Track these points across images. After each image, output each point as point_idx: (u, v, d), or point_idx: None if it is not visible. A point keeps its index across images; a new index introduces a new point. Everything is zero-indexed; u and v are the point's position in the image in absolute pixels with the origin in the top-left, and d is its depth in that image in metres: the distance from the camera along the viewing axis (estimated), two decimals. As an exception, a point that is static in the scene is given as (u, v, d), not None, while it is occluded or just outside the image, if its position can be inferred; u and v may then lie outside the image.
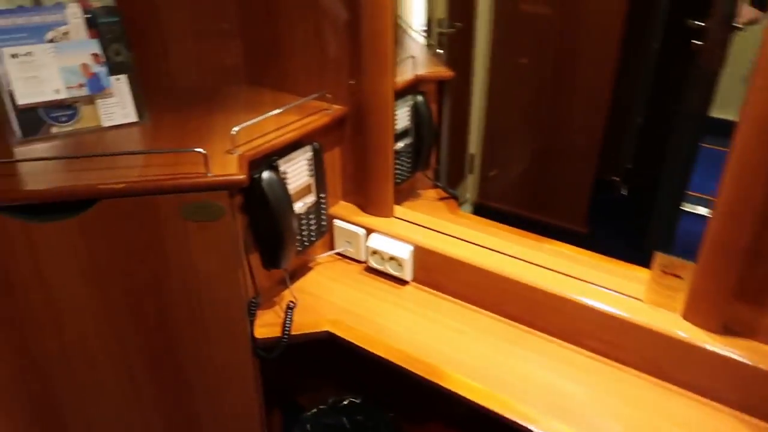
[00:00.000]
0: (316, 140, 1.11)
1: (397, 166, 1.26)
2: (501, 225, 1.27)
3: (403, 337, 1.04)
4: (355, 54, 1.10)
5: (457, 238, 1.15)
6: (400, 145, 1.28)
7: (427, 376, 0.96)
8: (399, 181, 1.30)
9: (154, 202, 0.90)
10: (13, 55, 0.97)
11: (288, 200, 1.03)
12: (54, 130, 1.04)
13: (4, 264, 0.91)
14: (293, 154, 1.06)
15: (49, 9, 0.99)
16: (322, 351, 1.17)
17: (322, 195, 1.16)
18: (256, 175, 0.98)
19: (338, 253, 1.26)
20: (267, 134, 1.04)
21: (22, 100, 0.99)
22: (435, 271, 1.14)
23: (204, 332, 1.03)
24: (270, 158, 1.02)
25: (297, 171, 1.08)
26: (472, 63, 1.77)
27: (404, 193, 1.38)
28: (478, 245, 1.12)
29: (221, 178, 0.90)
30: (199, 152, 0.91)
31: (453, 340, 1.04)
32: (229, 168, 0.92)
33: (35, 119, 1.02)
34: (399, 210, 1.23)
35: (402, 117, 1.26)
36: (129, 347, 1.02)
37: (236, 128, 0.98)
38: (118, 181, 0.89)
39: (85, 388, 1.05)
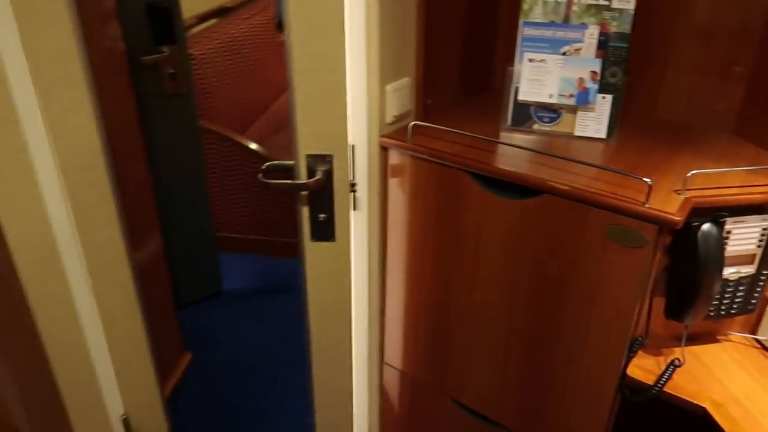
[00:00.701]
0: (780, 212, 0.99)
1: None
2: None
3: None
4: None
5: None
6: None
7: None
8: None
9: (587, 211, 0.98)
10: (530, 60, 1.17)
11: (720, 260, 0.96)
12: (535, 126, 1.21)
13: (460, 215, 1.14)
14: (747, 218, 0.98)
15: (573, 27, 1.14)
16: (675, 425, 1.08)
17: (765, 272, 1.04)
18: (695, 223, 0.95)
19: (758, 340, 1.11)
20: (726, 188, 0.98)
21: (522, 96, 1.19)
22: None
23: (580, 345, 1.08)
24: (718, 212, 0.96)
25: (744, 235, 0.99)
26: None
27: None
28: None
29: (656, 212, 0.91)
30: (645, 182, 0.93)
31: None
32: (668, 206, 0.92)
33: (525, 114, 1.21)
34: None
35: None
36: (514, 326, 1.16)
37: (694, 171, 0.96)
38: (566, 183, 0.99)
39: (469, 339, 1.23)
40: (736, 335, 1.13)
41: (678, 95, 1.26)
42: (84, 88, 1.06)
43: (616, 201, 0.95)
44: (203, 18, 3.24)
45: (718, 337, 1.13)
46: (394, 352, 1.41)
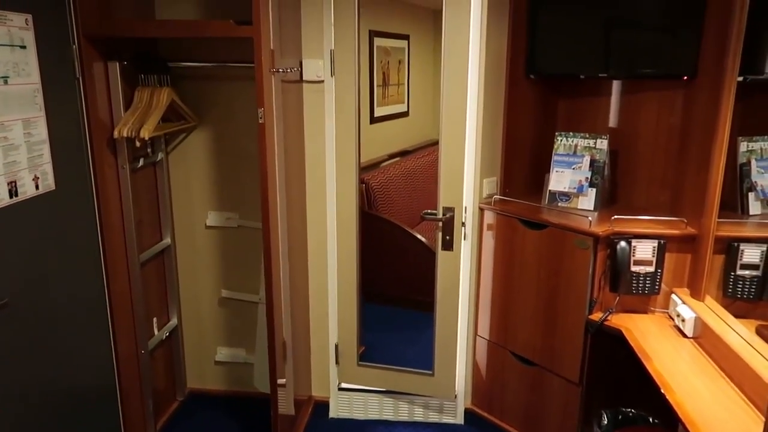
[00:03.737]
0: (663, 239, 2.07)
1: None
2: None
3: (666, 365, 1.89)
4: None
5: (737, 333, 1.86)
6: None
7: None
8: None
9: (565, 235, 2.15)
10: (557, 171, 2.40)
11: (628, 261, 2.06)
12: (559, 204, 2.41)
13: (514, 239, 2.34)
14: (644, 240, 2.07)
15: (578, 156, 2.36)
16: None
17: (659, 270, 2.09)
18: (616, 240, 2.07)
19: (665, 312, 2.12)
20: (634, 225, 2.10)
21: (552, 187, 2.41)
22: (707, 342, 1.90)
23: (567, 305, 2.18)
24: (629, 237, 2.08)
25: (643, 249, 2.08)
26: None
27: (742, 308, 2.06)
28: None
29: (595, 231, 2.06)
30: (588, 219, 2.09)
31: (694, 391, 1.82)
32: (598, 230, 2.06)
33: (553, 197, 2.42)
34: (709, 300, 2.00)
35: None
36: (539, 298, 2.28)
37: (616, 216, 2.10)
38: (558, 221, 2.17)
39: (519, 311, 2.37)
40: (657, 310, 2.15)
41: (637, 192, 2.39)
42: (354, 174, 2.49)
43: (577, 226, 2.11)
44: (391, 156, 4.85)
45: (646, 310, 2.15)
46: (482, 325, 2.56)
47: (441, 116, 2.36)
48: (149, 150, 2.42)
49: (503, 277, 2.43)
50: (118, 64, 2.10)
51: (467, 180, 2.40)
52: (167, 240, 2.56)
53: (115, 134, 2.08)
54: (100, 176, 2.08)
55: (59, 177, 1.88)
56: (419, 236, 4.00)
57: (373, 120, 4.66)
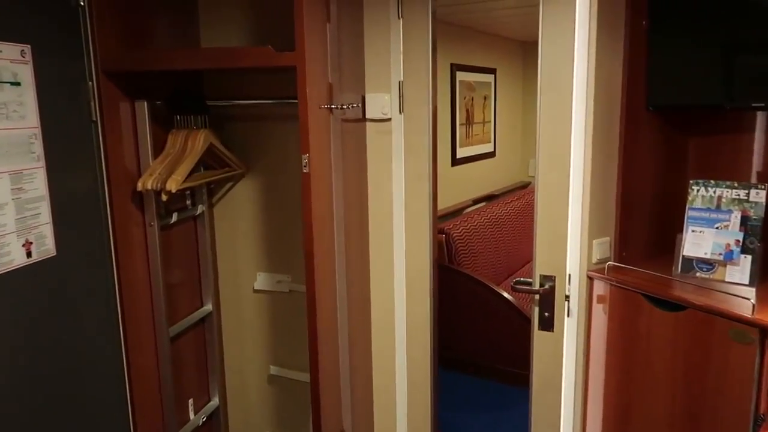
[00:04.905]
0: None
1: None
2: None
3: None
4: None
5: None
6: None
7: None
8: None
9: (713, 321, 1.56)
10: (693, 230, 1.82)
11: (815, 362, 1.44)
12: (698, 274, 1.82)
13: (636, 321, 1.77)
14: (838, 336, 1.45)
15: (723, 212, 1.78)
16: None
17: None
18: (793, 334, 1.46)
19: None
20: (821, 315, 1.48)
21: (686, 252, 1.83)
22: None
23: (716, 416, 1.58)
24: (812, 329, 1.46)
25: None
26: None
27: None
28: None
29: (762, 320, 1.47)
30: (752, 302, 1.50)
31: None
32: (766, 318, 1.47)
33: (689, 265, 1.83)
34: None
35: None
36: (675, 405, 1.69)
37: (792, 301, 1.49)
38: (706, 304, 1.59)
39: (643, 416, 1.78)
40: None
41: (817, 263, 1.76)
42: (428, 225, 2.02)
43: (733, 312, 1.52)
44: (476, 201, 4.35)
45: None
46: (592, 422, 1.98)
47: (538, 162, 1.86)
48: (188, 202, 2.08)
49: (621, 371, 1.86)
50: (146, 103, 1.78)
51: (572, 241, 1.87)
52: (208, 306, 2.19)
53: (138, 186, 1.75)
54: (121, 236, 1.74)
55: (63, 240, 1.54)
56: (506, 295, 3.45)
57: (455, 162, 4.20)
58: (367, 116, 2.00)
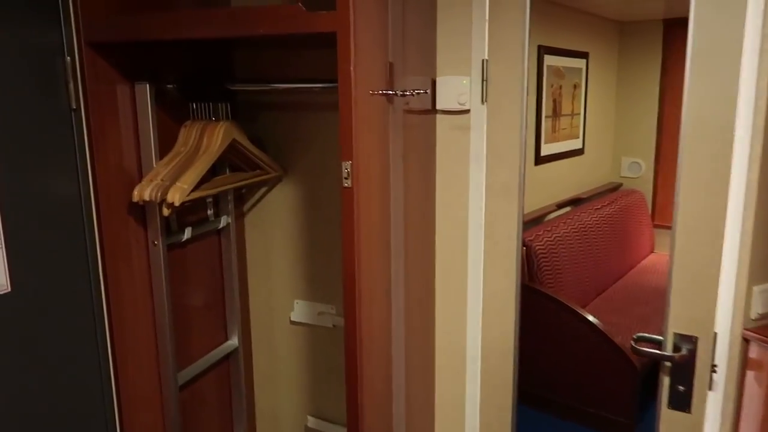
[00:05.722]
0: None
1: None
2: None
3: None
4: None
5: None
6: None
7: None
8: None
9: None
10: None
11: None
12: None
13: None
14: None
15: None
16: None
17: None
18: None
19: None
20: None
21: None
22: None
23: None
24: None
25: None
26: None
27: None
28: None
29: None
30: None
31: None
32: None
33: None
34: None
35: None
36: None
37: None
38: None
39: None
40: None
41: None
42: (515, 243, 1.52)
43: None
44: (560, 206, 3.77)
45: None
46: None
47: (680, 176, 1.31)
48: (210, 212, 1.66)
49: (795, 477, 1.29)
50: (148, 87, 1.36)
51: (725, 288, 1.32)
52: (234, 341, 1.77)
53: (134, 197, 1.33)
54: (111, 261, 1.34)
55: (22, 270, 1.15)
56: (594, 320, 2.87)
57: (539, 160, 3.62)
58: (438, 106, 1.51)
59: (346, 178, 1.07)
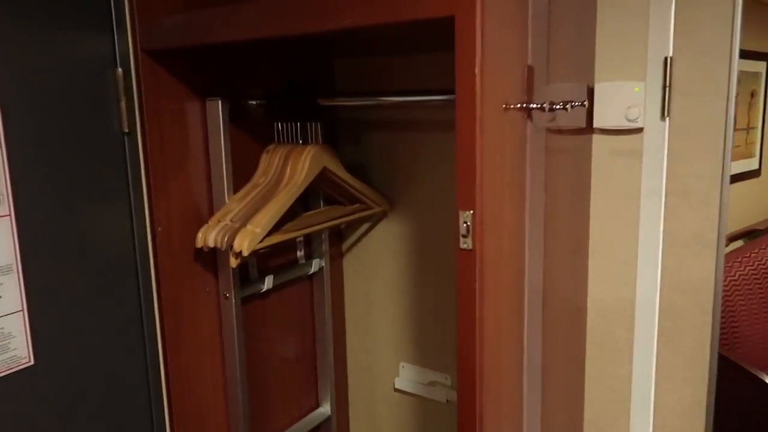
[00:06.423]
0: None
1: None
2: None
3: None
4: None
5: None
6: None
7: None
8: None
9: None
10: None
11: None
12: None
13: None
14: None
15: None
16: None
17: None
18: None
19: None
20: None
21: None
22: None
23: None
24: None
25: None
26: None
27: None
28: None
29: None
30: None
31: None
32: None
33: None
34: None
35: None
36: None
37: None
38: None
39: None
40: None
41: None
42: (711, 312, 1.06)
43: None
44: (731, 238, 3.11)
45: None
46: None
47: None
48: (300, 253, 1.37)
49: None
50: (221, 103, 1.09)
51: None
52: (326, 408, 1.46)
53: (197, 242, 1.06)
54: (169, 318, 1.07)
55: (46, 337, 0.91)
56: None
57: (706, 185, 3.02)
58: (596, 124, 1.10)
59: (464, 236, 0.70)
